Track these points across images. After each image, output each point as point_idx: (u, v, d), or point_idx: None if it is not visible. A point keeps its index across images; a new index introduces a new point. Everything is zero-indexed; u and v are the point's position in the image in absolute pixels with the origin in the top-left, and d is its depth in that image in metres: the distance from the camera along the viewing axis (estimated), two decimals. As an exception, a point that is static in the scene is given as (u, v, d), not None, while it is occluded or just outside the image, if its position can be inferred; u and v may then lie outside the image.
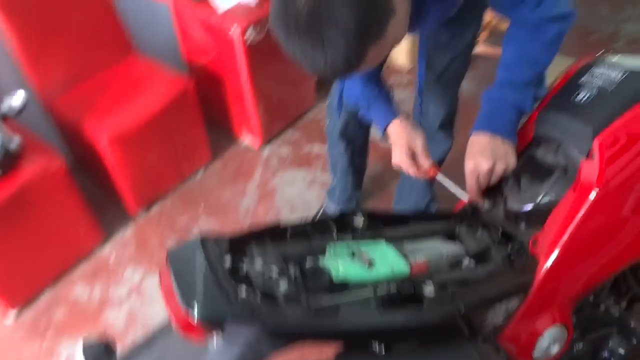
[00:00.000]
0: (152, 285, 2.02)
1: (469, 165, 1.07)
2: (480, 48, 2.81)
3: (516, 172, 1.09)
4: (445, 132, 1.72)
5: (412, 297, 0.86)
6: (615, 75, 1.03)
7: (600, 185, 0.95)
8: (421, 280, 0.88)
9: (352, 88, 1.35)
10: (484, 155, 1.06)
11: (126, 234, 2.22)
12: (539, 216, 1.03)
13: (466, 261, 1.02)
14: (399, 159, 1.23)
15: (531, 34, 1.08)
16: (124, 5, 2.22)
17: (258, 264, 0.87)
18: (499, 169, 1.06)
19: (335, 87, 1.69)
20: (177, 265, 0.82)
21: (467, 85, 2.32)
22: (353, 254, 0.94)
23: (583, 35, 3.08)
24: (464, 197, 1.15)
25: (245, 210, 2.28)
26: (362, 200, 2.16)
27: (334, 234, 1.00)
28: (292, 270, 0.87)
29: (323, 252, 0.95)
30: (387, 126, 1.27)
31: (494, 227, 1.09)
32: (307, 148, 2.55)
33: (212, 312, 0.75)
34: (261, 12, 2.05)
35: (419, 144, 1.22)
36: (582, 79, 1.07)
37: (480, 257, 1.04)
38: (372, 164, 2.38)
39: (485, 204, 1.13)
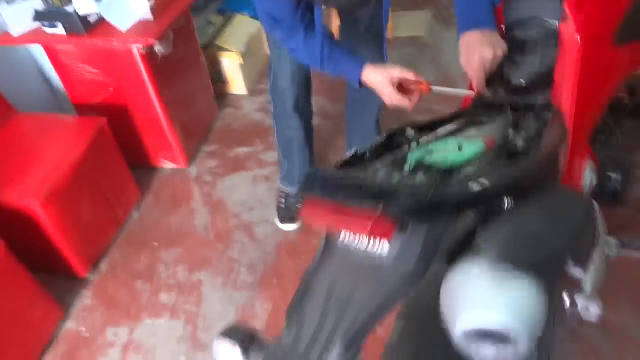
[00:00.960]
0: (147, 333, 1.84)
1: (476, 59, 1.20)
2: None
3: (507, 55, 1.25)
4: None
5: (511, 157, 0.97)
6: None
7: (582, 34, 1.15)
8: (509, 140, 0.99)
9: (314, 50, 1.37)
10: (484, 46, 1.19)
11: (86, 300, 1.98)
12: (541, 81, 1.21)
13: (511, 132, 1.15)
14: (393, 98, 1.28)
15: None
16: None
17: (380, 173, 0.90)
18: (499, 54, 1.21)
19: (279, 66, 1.73)
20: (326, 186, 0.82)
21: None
22: (435, 151, 1.01)
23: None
24: (468, 93, 1.28)
25: (204, 228, 2.19)
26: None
27: (407, 145, 1.06)
28: (414, 170, 0.91)
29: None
30: (363, 72, 1.32)
31: (507, 106, 1.24)
32: (232, 154, 2.52)
33: (406, 205, 0.76)
34: (161, 24, 1.99)
35: (399, 74, 1.27)
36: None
37: (517, 127, 1.17)
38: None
39: (488, 93, 1.28)
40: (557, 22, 1.18)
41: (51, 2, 1.94)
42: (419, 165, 0.95)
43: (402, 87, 1.30)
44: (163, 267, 2.06)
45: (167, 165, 2.45)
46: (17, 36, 2.00)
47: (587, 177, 1.20)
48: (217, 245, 2.10)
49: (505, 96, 1.26)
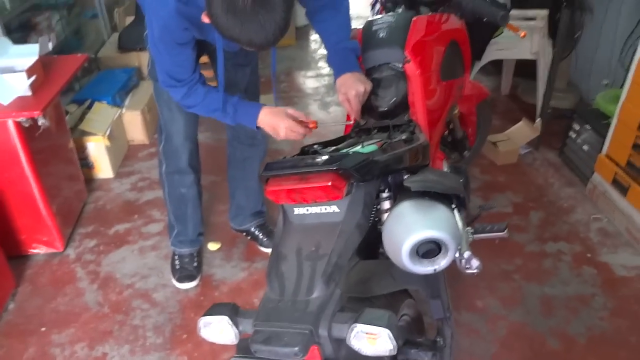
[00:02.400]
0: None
1: (352, 93, 1.55)
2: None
3: (371, 91, 1.65)
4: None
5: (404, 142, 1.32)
6: (391, 18, 1.71)
7: (421, 70, 1.60)
8: (397, 138, 1.34)
9: (216, 102, 1.59)
10: (357, 84, 1.56)
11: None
12: (399, 107, 1.62)
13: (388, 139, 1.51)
14: (288, 131, 1.52)
15: (333, 10, 1.65)
16: None
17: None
18: (368, 89, 1.59)
19: (172, 126, 1.90)
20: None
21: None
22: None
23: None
24: (348, 124, 1.64)
25: (97, 303, 2.12)
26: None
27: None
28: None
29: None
30: (259, 114, 1.57)
31: (377, 127, 1.62)
32: (111, 231, 2.52)
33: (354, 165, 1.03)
34: (41, 100, 2.03)
35: (292, 112, 1.58)
36: (372, 25, 1.71)
37: (391, 137, 1.54)
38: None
39: (362, 119, 1.65)
40: (401, 65, 1.62)
41: None
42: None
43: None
44: (58, 351, 1.93)
45: (41, 250, 2.34)
46: None
47: (446, 169, 1.61)
48: (115, 317, 2.06)
49: (375, 121, 1.64)
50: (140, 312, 2.08)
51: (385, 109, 1.64)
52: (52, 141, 2.27)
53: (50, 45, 2.23)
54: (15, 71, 1.99)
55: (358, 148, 1.33)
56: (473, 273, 1.24)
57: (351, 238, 1.05)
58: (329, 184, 1.01)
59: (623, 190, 2.29)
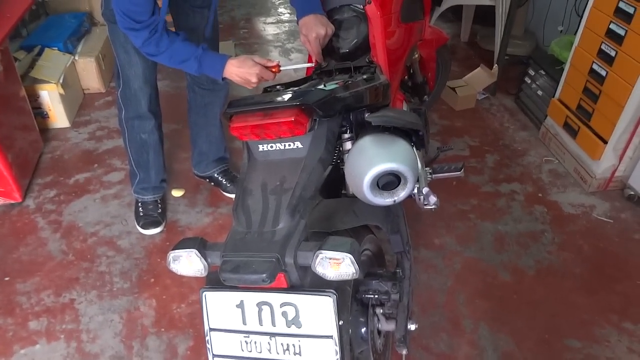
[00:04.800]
0: None
1: (312, 35, 1.56)
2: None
3: (334, 32, 1.65)
4: None
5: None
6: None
7: (381, 12, 1.61)
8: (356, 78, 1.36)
9: (179, 52, 1.55)
10: (318, 26, 1.56)
11: None
12: (360, 48, 1.63)
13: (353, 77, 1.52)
14: (256, 76, 1.51)
15: None
16: None
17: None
18: (329, 32, 1.59)
19: (129, 70, 1.86)
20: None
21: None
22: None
23: None
24: (309, 65, 1.64)
25: (60, 251, 2.12)
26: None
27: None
28: None
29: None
30: (226, 65, 1.54)
31: (339, 69, 1.63)
32: (71, 181, 2.48)
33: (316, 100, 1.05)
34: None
35: (256, 59, 1.55)
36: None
37: (352, 77, 1.56)
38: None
39: (324, 62, 1.65)
40: (362, 6, 1.62)
41: None
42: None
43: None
44: (24, 299, 1.94)
45: (1, 201, 2.29)
46: None
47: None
48: (81, 264, 2.06)
49: (336, 63, 1.66)
50: (106, 259, 2.09)
51: (347, 50, 1.65)
52: (1, 90, 2.18)
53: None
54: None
55: (320, 87, 1.34)
56: (431, 209, 1.30)
57: (315, 172, 1.09)
58: (292, 119, 1.03)
59: (573, 133, 2.40)
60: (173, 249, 1.04)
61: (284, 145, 1.10)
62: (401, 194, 1.09)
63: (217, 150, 2.30)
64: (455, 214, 2.24)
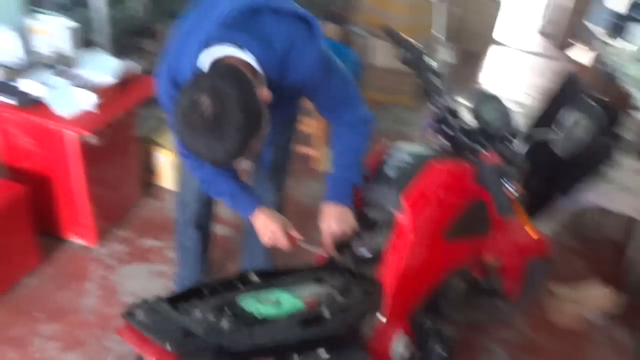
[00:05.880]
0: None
1: (325, 229, 1.46)
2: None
3: (357, 230, 1.51)
4: None
5: (316, 320, 1.18)
6: (407, 157, 1.56)
7: (412, 229, 1.42)
8: (319, 309, 1.21)
9: (218, 184, 1.60)
10: (335, 221, 1.46)
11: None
12: (379, 257, 1.47)
13: (337, 295, 1.37)
14: (275, 236, 1.50)
15: (350, 130, 1.56)
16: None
17: (196, 313, 1.10)
18: (347, 231, 1.47)
19: (186, 181, 1.95)
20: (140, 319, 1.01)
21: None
22: (260, 300, 1.22)
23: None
24: (321, 252, 1.53)
25: (89, 310, 2.27)
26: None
27: (241, 288, 1.27)
28: (227, 314, 1.12)
29: (234, 304, 1.21)
30: (254, 213, 1.56)
31: (348, 270, 1.49)
32: (141, 243, 2.66)
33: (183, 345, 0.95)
34: (101, 117, 2.22)
35: (287, 224, 1.54)
36: (386, 161, 1.57)
37: (344, 292, 1.41)
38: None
39: (338, 256, 1.52)
40: (395, 212, 1.46)
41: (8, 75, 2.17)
42: (237, 312, 1.15)
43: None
44: (36, 340, 2.11)
45: (76, 239, 2.57)
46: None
47: (397, 346, 1.42)
48: (94, 331, 2.17)
49: (349, 263, 1.51)
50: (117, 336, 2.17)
51: (367, 254, 1.50)
52: (113, 147, 2.45)
53: (137, 69, 2.41)
54: (88, 87, 2.18)
55: (272, 305, 1.23)
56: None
57: None
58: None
59: None
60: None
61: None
62: None
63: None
64: None
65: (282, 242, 1.51)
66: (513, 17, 6.56)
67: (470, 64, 5.97)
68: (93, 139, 2.18)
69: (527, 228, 1.73)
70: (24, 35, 2.36)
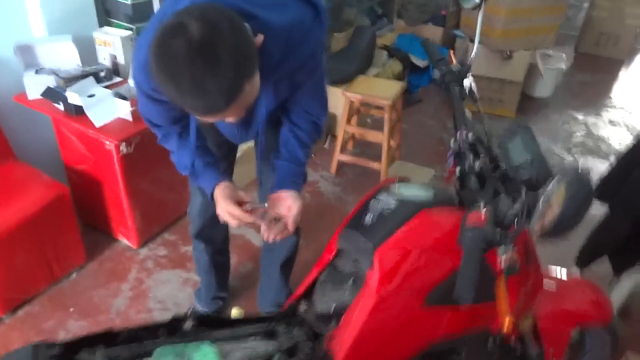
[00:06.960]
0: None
1: (286, 212, 1.42)
2: (345, 157, 3.23)
3: (322, 280, 1.33)
4: None
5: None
6: (392, 202, 1.33)
7: (380, 291, 1.21)
8: None
9: (181, 157, 1.51)
10: (293, 202, 1.41)
11: (-14, 340, 2.18)
12: (342, 316, 1.27)
13: (277, 356, 1.22)
14: (226, 218, 1.43)
15: (306, 127, 1.51)
16: (6, 115, 2.36)
17: None
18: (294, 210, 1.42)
19: (193, 196, 1.91)
20: None
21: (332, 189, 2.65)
22: (177, 356, 1.11)
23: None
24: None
25: (117, 311, 2.34)
26: (228, 300, 2.31)
27: (163, 338, 1.17)
28: None
29: (150, 355, 1.11)
30: (213, 189, 1.46)
31: (307, 325, 1.32)
32: (184, 249, 2.70)
33: None
34: (136, 126, 2.27)
35: (243, 194, 1.45)
36: (370, 203, 1.35)
37: (291, 352, 1.24)
38: (242, 265, 2.59)
39: (302, 306, 1.36)
40: (366, 268, 1.26)
41: (59, 83, 2.31)
42: None
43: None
44: (63, 334, 2.22)
45: (124, 240, 2.68)
46: (31, 100, 2.37)
47: None
48: (116, 333, 2.24)
49: (311, 318, 1.34)
50: (135, 341, 2.22)
51: (322, 311, 1.32)
52: (148, 158, 2.47)
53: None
54: (130, 96, 2.24)
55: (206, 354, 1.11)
56: None
57: None
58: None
59: None
60: None
61: None
62: None
63: (276, 295, 2.17)
64: None
65: (232, 223, 1.42)
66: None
67: (606, 73, 5.26)
68: (124, 147, 2.23)
69: (501, 308, 1.33)
70: (88, 45, 2.49)
